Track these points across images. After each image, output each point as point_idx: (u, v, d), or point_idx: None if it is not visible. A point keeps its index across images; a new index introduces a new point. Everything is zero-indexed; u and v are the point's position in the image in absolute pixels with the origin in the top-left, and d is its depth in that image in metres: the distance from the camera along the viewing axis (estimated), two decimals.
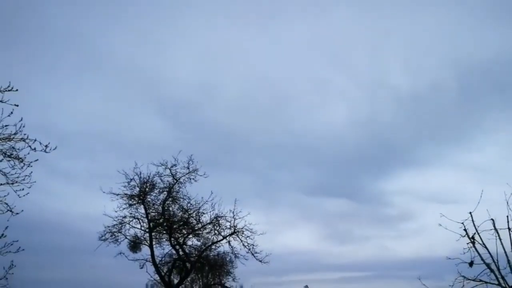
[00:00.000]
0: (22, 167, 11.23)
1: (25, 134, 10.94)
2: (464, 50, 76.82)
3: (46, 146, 11.19)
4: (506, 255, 9.92)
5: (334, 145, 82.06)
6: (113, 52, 71.06)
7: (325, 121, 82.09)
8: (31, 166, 11.29)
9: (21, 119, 10.79)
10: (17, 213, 11.22)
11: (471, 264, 10.35)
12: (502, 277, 9.96)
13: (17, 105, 10.53)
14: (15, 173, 11.25)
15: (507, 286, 9.92)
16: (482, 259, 10.20)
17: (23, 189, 11.24)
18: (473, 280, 10.30)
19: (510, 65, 75.74)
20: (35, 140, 11.03)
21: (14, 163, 11.19)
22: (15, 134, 10.88)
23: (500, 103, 79.51)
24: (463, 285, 10.39)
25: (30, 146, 11.04)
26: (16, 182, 11.26)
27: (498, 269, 10.02)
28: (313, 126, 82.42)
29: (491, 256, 10.12)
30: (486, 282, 10.18)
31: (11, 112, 10.53)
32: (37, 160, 11.24)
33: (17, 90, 10.50)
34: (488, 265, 10.12)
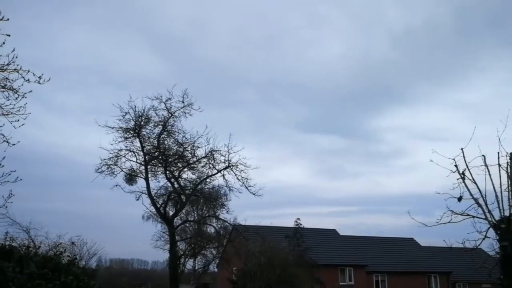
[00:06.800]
0: (16, 98, 11.11)
1: (18, 65, 10.74)
2: None
3: (40, 77, 11.03)
4: (495, 190, 10.16)
5: (327, 82, 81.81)
6: None
7: (319, 58, 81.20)
8: (26, 98, 11.17)
9: (14, 50, 10.57)
10: (14, 144, 11.22)
11: (459, 199, 10.60)
12: (489, 212, 10.24)
13: (9, 35, 10.27)
14: (10, 104, 11.15)
15: (493, 220, 10.21)
16: (471, 194, 10.44)
17: (18, 120, 11.19)
18: (461, 214, 10.60)
19: (506, 0, 74.11)
20: (29, 71, 10.85)
21: (8, 94, 11.06)
22: (8, 64, 10.68)
23: (496, 40, 78.58)
24: (451, 219, 10.71)
25: (23, 77, 10.87)
26: (11, 113, 11.18)
27: (486, 204, 10.29)
28: (307, 63, 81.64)
29: (480, 192, 10.36)
30: (473, 216, 10.48)
31: (3, 43, 10.29)
32: (31, 91, 11.11)
33: (8, 19, 10.21)
34: (476, 200, 10.38)
